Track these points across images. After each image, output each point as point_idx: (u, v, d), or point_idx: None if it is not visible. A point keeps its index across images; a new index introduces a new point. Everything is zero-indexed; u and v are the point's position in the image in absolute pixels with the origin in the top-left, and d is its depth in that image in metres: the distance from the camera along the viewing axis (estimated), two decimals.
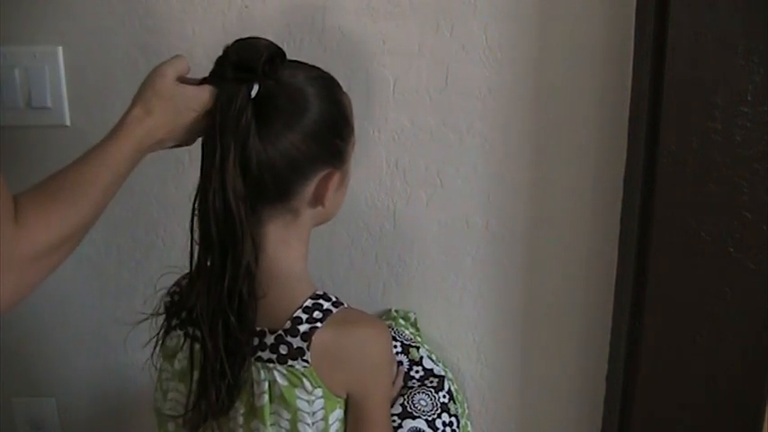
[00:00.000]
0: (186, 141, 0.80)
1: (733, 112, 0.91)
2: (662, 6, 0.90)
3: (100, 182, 0.70)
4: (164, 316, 0.86)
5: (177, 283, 0.87)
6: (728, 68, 0.90)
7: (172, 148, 0.80)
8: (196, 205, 0.77)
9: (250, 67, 0.76)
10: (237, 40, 0.79)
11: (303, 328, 0.78)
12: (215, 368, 0.78)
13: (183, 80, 0.78)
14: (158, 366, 0.89)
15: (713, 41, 0.89)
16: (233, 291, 0.76)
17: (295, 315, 0.79)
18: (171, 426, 0.88)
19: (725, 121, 0.91)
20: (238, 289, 0.76)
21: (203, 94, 0.76)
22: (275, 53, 0.78)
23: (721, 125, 0.92)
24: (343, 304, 0.82)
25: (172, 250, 1.16)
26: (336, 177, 0.82)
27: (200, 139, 0.79)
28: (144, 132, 0.74)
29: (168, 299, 0.87)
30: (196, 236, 0.78)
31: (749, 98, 0.90)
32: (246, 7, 1.06)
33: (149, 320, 0.86)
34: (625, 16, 1.00)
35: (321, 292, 0.82)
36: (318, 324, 0.78)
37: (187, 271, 0.81)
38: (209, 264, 0.77)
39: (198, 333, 0.80)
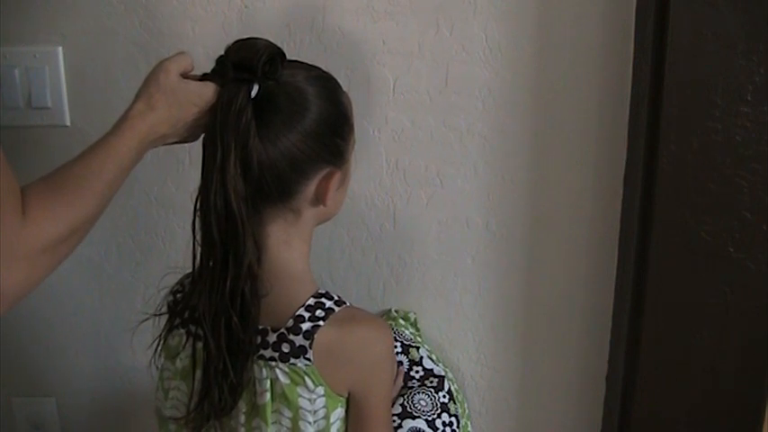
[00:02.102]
0: (189, 137, 0.80)
1: (733, 112, 0.91)
2: (662, 6, 0.90)
3: (105, 175, 0.71)
4: (166, 315, 0.86)
5: (180, 282, 0.87)
6: (728, 68, 0.90)
7: (175, 143, 0.80)
8: (197, 205, 0.77)
9: (250, 67, 0.76)
10: (237, 41, 0.79)
11: (305, 326, 0.78)
12: (218, 368, 0.78)
13: (185, 76, 0.78)
14: (160, 365, 0.89)
15: (713, 41, 0.89)
16: (235, 290, 0.76)
17: (297, 313, 0.79)
18: (173, 426, 0.88)
19: (725, 121, 0.91)
20: (240, 288, 0.76)
21: (206, 91, 0.76)
22: (275, 53, 0.78)
23: (721, 125, 0.92)
24: (345, 303, 0.82)
25: (172, 250, 1.16)
26: (337, 176, 0.82)
27: (200, 139, 0.80)
28: (147, 127, 0.74)
29: (171, 297, 0.87)
30: (198, 236, 0.78)
31: (749, 98, 0.90)
32: (246, 7, 1.06)
33: (150, 320, 0.86)
34: (625, 16, 1.00)
35: (323, 291, 0.82)
36: (321, 322, 0.78)
37: (190, 270, 0.82)
38: (211, 264, 0.77)
39: (200, 332, 0.80)
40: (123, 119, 0.74)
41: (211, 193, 0.75)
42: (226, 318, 0.77)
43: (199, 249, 0.79)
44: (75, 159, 0.71)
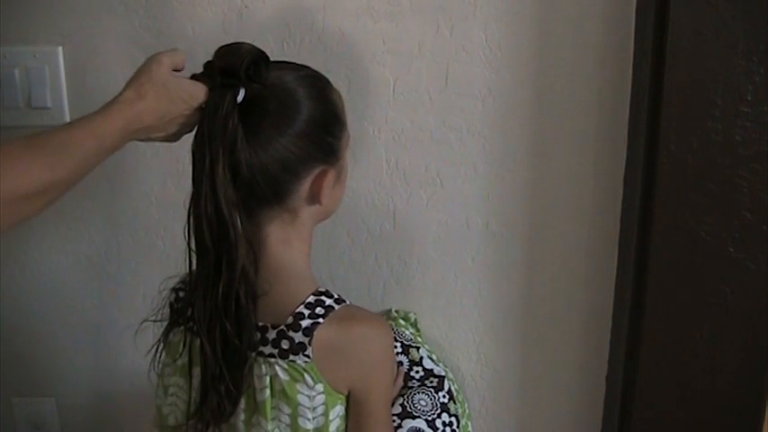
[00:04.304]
0: (173, 135, 0.80)
1: (733, 112, 0.91)
2: (662, 6, 0.90)
3: (84, 148, 0.71)
4: (166, 317, 0.87)
5: (182, 280, 0.87)
6: (728, 68, 0.90)
7: (158, 140, 0.80)
8: (189, 212, 0.77)
9: (233, 72, 0.76)
10: (222, 46, 0.79)
11: (305, 323, 0.78)
12: (214, 373, 0.78)
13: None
14: (161, 362, 0.89)
15: (713, 41, 0.89)
16: (228, 295, 0.77)
17: (297, 310, 0.79)
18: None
19: (725, 121, 0.91)
20: (234, 294, 0.77)
21: (197, 89, 0.77)
22: (258, 57, 0.78)
23: (721, 125, 0.92)
24: (345, 301, 0.82)
25: (172, 250, 1.16)
26: (331, 175, 0.82)
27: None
28: (133, 114, 0.74)
29: (173, 295, 0.87)
30: (192, 242, 0.78)
31: (749, 98, 0.90)
32: (246, 7, 1.06)
33: (147, 319, 0.87)
34: (625, 16, 1.00)
35: (324, 289, 0.82)
36: (320, 320, 0.79)
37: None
38: (204, 270, 0.78)
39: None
40: (111, 103, 0.74)
41: (202, 199, 0.75)
42: (221, 324, 0.77)
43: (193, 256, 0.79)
44: (59, 128, 0.71)
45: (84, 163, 0.71)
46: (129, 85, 0.76)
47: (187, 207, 0.78)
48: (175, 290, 0.87)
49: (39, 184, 0.67)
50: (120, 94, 0.75)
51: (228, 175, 0.75)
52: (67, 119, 1.12)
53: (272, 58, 0.81)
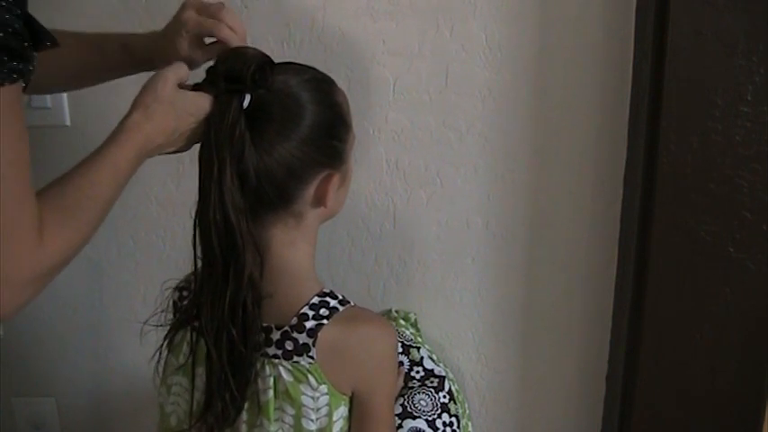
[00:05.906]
0: (184, 147, 0.79)
1: (733, 112, 0.91)
2: (662, 6, 0.90)
3: (106, 190, 0.70)
4: (170, 315, 0.87)
5: (186, 279, 0.87)
6: (728, 68, 0.90)
7: (169, 153, 0.80)
8: (197, 220, 0.77)
9: (239, 78, 0.75)
10: (224, 51, 0.79)
11: (309, 324, 0.78)
12: (220, 380, 0.78)
13: (180, 86, 0.78)
14: (164, 360, 0.89)
15: (713, 41, 0.89)
16: (236, 303, 0.76)
17: (302, 312, 0.79)
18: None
19: (725, 121, 0.92)
20: (241, 300, 0.76)
21: (203, 101, 0.76)
22: (264, 62, 0.77)
23: (721, 125, 0.92)
24: (349, 302, 0.82)
25: (172, 250, 1.16)
26: (336, 178, 0.82)
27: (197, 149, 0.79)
28: (144, 138, 0.73)
29: (177, 294, 0.87)
30: (199, 250, 0.78)
31: (749, 98, 0.91)
32: (246, 7, 1.06)
33: (152, 319, 0.86)
34: (625, 16, 1.00)
35: (328, 290, 0.82)
36: (325, 321, 0.79)
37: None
38: (212, 277, 0.77)
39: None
40: (120, 130, 0.73)
41: (210, 207, 0.74)
42: (227, 332, 0.77)
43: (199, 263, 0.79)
44: (82, 175, 0.69)
45: (106, 206, 0.71)
46: (135, 106, 0.74)
47: (193, 216, 0.77)
48: (179, 288, 0.87)
49: (73, 251, 0.67)
50: (128, 117, 0.73)
51: (236, 181, 0.74)
52: (67, 119, 1.12)
53: (272, 59, 0.81)
